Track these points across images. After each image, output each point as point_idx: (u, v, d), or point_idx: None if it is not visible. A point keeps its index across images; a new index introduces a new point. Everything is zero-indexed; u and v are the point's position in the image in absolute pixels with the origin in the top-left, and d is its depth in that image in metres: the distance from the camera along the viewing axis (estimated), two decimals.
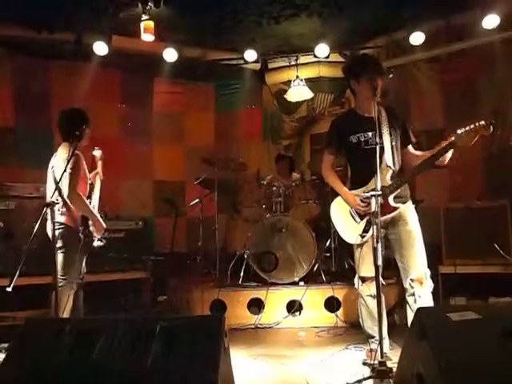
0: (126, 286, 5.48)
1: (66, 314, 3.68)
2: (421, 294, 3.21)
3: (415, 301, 3.22)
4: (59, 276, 3.57)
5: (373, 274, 3.02)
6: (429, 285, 3.26)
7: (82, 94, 5.93)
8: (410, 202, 3.36)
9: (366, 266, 3.31)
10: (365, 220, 3.32)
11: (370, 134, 3.27)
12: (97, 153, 4.13)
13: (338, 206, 3.52)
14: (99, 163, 4.12)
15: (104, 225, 3.84)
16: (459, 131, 3.01)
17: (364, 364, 3.36)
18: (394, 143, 3.27)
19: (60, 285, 3.53)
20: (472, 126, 2.94)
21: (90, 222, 3.73)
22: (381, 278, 2.89)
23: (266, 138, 7.55)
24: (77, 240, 3.66)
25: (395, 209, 3.22)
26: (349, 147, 3.40)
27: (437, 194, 5.81)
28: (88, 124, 3.82)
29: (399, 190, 3.23)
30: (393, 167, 3.25)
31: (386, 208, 3.17)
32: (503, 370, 1.90)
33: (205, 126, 7.27)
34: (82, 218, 3.70)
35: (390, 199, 3.22)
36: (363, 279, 3.39)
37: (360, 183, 3.33)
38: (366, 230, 3.29)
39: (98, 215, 3.81)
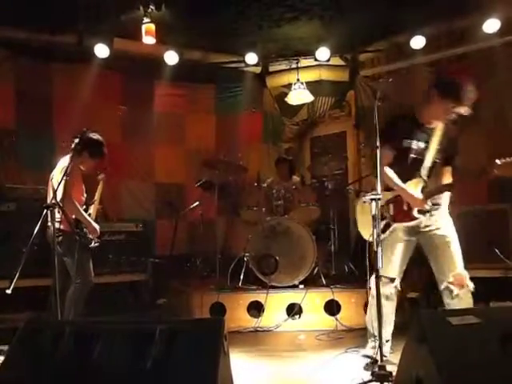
0: (125, 288, 5.47)
1: (76, 316, 3.76)
2: (462, 295, 3.22)
3: (455, 303, 3.22)
4: (74, 281, 3.82)
5: (389, 275, 3.22)
6: (470, 286, 3.27)
7: (83, 96, 5.94)
8: (442, 209, 3.35)
9: (386, 265, 3.28)
10: (384, 222, 3.36)
11: (422, 144, 3.32)
12: (100, 177, 4.37)
13: (362, 205, 3.56)
14: (99, 187, 4.32)
15: (97, 227, 4.02)
16: (498, 161, 3.03)
17: (366, 365, 3.36)
18: (437, 161, 3.30)
19: (74, 286, 3.82)
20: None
21: (84, 225, 3.92)
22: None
23: (267, 141, 7.56)
24: (75, 242, 3.79)
25: (415, 219, 3.28)
26: (401, 150, 3.39)
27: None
28: (98, 156, 4.07)
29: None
30: (426, 180, 3.27)
31: (407, 216, 3.27)
32: (502, 373, 1.90)
33: (205, 128, 7.28)
34: (76, 220, 3.86)
35: (415, 210, 3.26)
36: (380, 278, 3.37)
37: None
38: (383, 231, 3.30)
39: (91, 220, 3.99)
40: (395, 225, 3.34)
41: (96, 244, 4.04)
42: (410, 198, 3.29)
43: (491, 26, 5.38)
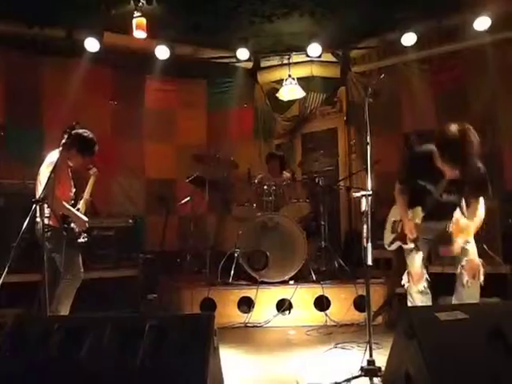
0: (115, 283, 5.45)
1: (64, 312, 3.72)
2: (470, 284, 3.32)
3: (462, 291, 3.35)
4: (63, 277, 3.79)
5: (419, 269, 3.42)
6: (481, 279, 3.35)
7: (73, 90, 5.90)
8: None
9: (411, 261, 3.50)
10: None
11: (433, 187, 3.35)
12: (92, 171, 4.33)
13: (393, 211, 3.77)
14: (91, 181, 4.28)
15: (85, 218, 3.99)
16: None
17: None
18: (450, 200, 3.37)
19: (64, 281, 3.79)
20: None
21: (71, 219, 3.87)
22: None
23: (258, 137, 7.54)
24: (63, 237, 3.75)
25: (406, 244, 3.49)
26: (416, 187, 3.45)
27: None
28: (89, 154, 4.04)
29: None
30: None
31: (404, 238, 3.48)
32: (489, 368, 1.92)
33: (196, 123, 7.26)
34: (62, 216, 3.82)
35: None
36: (409, 274, 3.51)
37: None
38: (392, 242, 3.62)
39: (77, 212, 3.96)
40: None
41: (84, 239, 4.00)
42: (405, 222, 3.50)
43: (482, 23, 5.40)
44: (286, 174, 6.16)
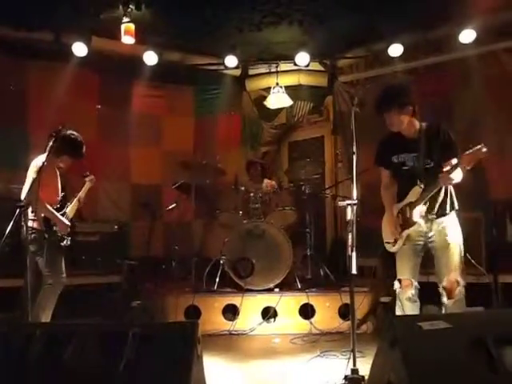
0: (99, 289, 5.40)
1: (46, 318, 3.66)
2: (448, 304, 3.36)
3: (445, 308, 3.40)
4: (44, 281, 3.76)
5: (408, 277, 3.45)
6: (459, 293, 3.39)
7: (59, 94, 5.85)
8: (450, 215, 3.45)
9: (400, 269, 3.54)
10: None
11: (405, 155, 3.47)
12: (88, 178, 4.28)
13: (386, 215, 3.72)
14: (85, 187, 4.25)
15: (67, 222, 3.95)
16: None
17: None
18: (429, 165, 3.38)
19: (45, 287, 3.74)
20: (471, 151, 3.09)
21: (53, 222, 3.84)
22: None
23: (245, 144, 7.55)
24: (45, 240, 3.74)
25: (414, 223, 3.39)
26: (393, 167, 3.58)
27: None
28: (78, 157, 4.02)
29: (423, 206, 3.38)
30: (422, 186, 3.36)
31: (407, 222, 3.42)
32: (472, 378, 1.94)
33: (183, 130, 7.24)
34: (44, 219, 3.79)
35: (414, 214, 3.38)
36: (400, 281, 3.53)
37: (399, 199, 3.54)
38: (395, 240, 3.54)
39: (59, 215, 3.92)
40: (406, 231, 3.46)
41: (67, 243, 3.95)
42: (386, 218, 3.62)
43: (467, 36, 5.48)
44: (267, 181, 6.16)
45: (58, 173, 4.05)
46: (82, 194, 4.21)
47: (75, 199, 4.16)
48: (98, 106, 6.62)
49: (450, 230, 3.43)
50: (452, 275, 3.38)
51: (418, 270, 3.58)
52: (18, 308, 3.53)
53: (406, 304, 3.51)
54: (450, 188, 3.46)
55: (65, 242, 3.94)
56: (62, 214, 3.97)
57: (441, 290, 3.41)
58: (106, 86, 6.62)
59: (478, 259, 4.80)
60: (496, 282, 4.77)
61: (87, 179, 4.29)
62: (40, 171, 3.42)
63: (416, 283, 3.49)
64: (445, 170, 3.26)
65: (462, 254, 3.45)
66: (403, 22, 5.43)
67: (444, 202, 3.44)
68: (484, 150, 3.05)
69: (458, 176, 3.26)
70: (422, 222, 3.41)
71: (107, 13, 5.33)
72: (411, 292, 3.47)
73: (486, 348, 2.00)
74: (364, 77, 6.76)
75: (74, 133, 3.99)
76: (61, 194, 4.05)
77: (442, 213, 3.44)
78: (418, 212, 3.38)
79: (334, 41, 6.18)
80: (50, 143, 3.69)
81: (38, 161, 3.76)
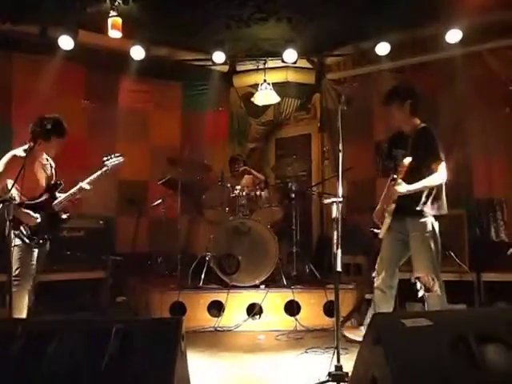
0: (84, 285, 5.37)
1: (19, 314, 3.60)
2: (426, 296, 3.54)
3: (427, 303, 3.56)
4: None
5: (381, 266, 3.71)
6: (436, 290, 3.51)
7: (45, 88, 5.78)
8: (420, 216, 3.57)
9: (378, 258, 3.79)
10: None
11: (398, 151, 3.64)
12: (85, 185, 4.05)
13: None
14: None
15: (33, 214, 3.72)
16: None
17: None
18: (414, 163, 3.42)
19: (14, 284, 3.54)
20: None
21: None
22: None
23: (232, 140, 7.55)
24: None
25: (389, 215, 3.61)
26: (391, 159, 3.75)
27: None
28: (60, 132, 3.84)
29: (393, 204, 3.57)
30: (395, 177, 3.49)
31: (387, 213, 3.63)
32: (453, 374, 1.96)
33: (170, 125, 7.20)
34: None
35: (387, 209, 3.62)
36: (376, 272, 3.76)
37: None
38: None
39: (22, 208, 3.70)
40: (386, 221, 3.64)
41: (35, 242, 3.72)
42: None
43: (453, 36, 5.52)
44: (248, 177, 6.17)
45: (46, 164, 3.95)
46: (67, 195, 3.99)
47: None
48: (84, 101, 6.55)
49: (419, 229, 3.56)
50: (424, 271, 3.51)
51: (397, 262, 3.74)
52: (2, 304, 3.49)
53: (375, 293, 3.73)
54: (435, 188, 3.56)
55: (30, 241, 3.69)
56: (45, 207, 3.83)
57: (415, 280, 3.56)
58: (92, 81, 6.55)
59: (461, 257, 4.87)
60: (479, 279, 4.83)
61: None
62: (23, 163, 3.35)
63: (387, 274, 3.67)
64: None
65: (435, 252, 3.55)
66: (390, 21, 5.46)
67: (418, 201, 3.55)
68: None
69: (403, 188, 3.46)
70: (389, 219, 3.60)
71: (94, 6, 5.28)
72: (379, 281, 3.69)
73: (467, 345, 2.02)
74: (351, 75, 6.79)
75: (47, 114, 3.87)
76: (45, 186, 3.91)
77: (415, 211, 3.55)
78: (388, 209, 3.58)
79: (322, 38, 6.19)
80: (35, 128, 3.64)
81: (10, 154, 3.70)
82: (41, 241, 3.78)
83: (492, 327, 2.15)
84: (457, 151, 5.79)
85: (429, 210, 3.56)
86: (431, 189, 3.56)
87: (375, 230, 3.73)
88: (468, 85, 5.67)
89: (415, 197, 3.53)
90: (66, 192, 4.00)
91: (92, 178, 4.08)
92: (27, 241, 3.69)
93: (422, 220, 3.55)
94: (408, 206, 3.54)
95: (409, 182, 3.44)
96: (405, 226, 3.62)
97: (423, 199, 3.55)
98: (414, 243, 3.58)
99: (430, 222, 3.55)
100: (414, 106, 3.61)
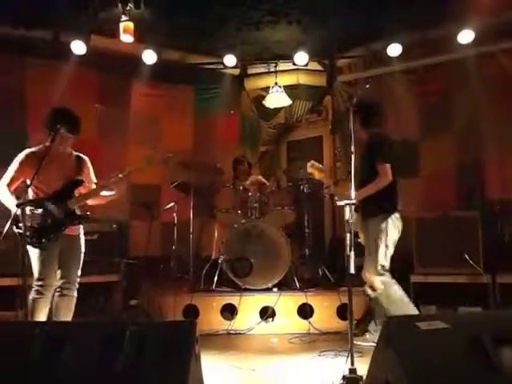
0: (97, 288, 5.39)
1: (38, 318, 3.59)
2: (372, 295, 3.90)
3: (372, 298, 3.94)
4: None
5: (363, 271, 3.86)
6: (378, 287, 3.85)
7: (58, 93, 5.83)
8: (375, 218, 3.85)
9: None
10: None
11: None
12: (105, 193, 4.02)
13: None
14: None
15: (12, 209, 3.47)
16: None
17: None
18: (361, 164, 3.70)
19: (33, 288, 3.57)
20: None
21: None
22: None
23: (244, 144, 7.56)
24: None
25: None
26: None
27: (408, 204, 5.90)
28: (70, 123, 3.70)
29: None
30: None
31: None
32: (468, 378, 1.94)
33: (183, 129, 7.23)
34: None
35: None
36: None
37: None
38: None
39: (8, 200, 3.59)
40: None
41: (36, 244, 3.56)
42: None
43: (465, 36, 5.49)
44: (253, 177, 6.16)
45: (66, 159, 3.86)
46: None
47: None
48: (97, 105, 6.61)
49: (372, 232, 3.83)
50: (367, 273, 3.84)
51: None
52: (17, 307, 3.52)
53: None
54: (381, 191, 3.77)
55: (31, 240, 3.52)
56: (59, 203, 3.68)
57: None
58: (105, 85, 6.61)
59: (476, 259, 4.82)
60: (494, 281, 4.77)
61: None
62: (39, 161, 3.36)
63: (366, 277, 3.87)
64: None
65: (380, 256, 3.79)
66: (402, 22, 5.43)
67: (368, 204, 3.78)
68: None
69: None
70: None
71: (106, 11, 5.32)
72: (366, 286, 3.89)
73: (483, 348, 2.00)
74: (363, 76, 6.76)
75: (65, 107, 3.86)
76: (62, 182, 3.76)
77: (366, 214, 3.85)
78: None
79: (333, 40, 6.19)
80: (47, 121, 3.63)
81: (23, 153, 3.72)
82: (43, 240, 3.57)
83: (508, 329, 2.13)
84: (470, 152, 5.76)
85: (377, 208, 3.82)
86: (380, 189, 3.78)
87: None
88: (481, 85, 5.62)
89: (377, 198, 3.77)
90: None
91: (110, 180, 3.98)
92: (29, 240, 3.51)
93: (371, 219, 3.84)
94: (362, 207, 3.78)
95: (360, 185, 3.62)
96: (361, 227, 3.93)
97: (373, 199, 3.78)
98: (368, 246, 3.90)
99: (378, 221, 3.80)
100: (364, 118, 3.95)
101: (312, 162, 4.15)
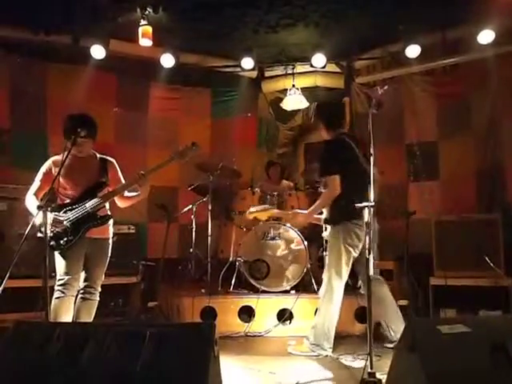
0: (116, 291, 5.43)
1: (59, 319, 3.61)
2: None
3: None
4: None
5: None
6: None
7: (77, 96, 5.92)
8: (333, 226, 4.02)
9: None
10: None
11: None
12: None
13: None
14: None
15: (59, 217, 3.66)
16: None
17: None
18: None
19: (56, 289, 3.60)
20: None
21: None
22: None
23: (261, 146, 7.57)
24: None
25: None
26: None
27: (429, 206, 5.84)
28: (86, 125, 3.71)
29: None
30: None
31: None
32: (491, 383, 1.91)
33: (200, 132, 7.25)
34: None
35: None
36: None
37: None
38: None
39: (31, 204, 3.68)
40: None
41: (56, 248, 3.60)
42: None
43: (486, 36, 5.42)
44: (285, 182, 6.20)
45: (88, 163, 3.89)
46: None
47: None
48: (116, 109, 6.68)
49: (330, 239, 4.01)
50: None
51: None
52: (38, 308, 3.56)
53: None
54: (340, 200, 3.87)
55: (51, 243, 3.55)
56: (78, 207, 3.73)
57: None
58: (123, 89, 6.68)
59: (497, 262, 4.75)
60: None
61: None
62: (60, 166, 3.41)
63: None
64: None
65: (332, 263, 3.96)
66: (421, 23, 5.39)
67: (328, 213, 4.01)
68: None
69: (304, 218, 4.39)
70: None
71: (125, 16, 5.38)
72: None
73: (506, 353, 1.97)
74: (381, 78, 6.72)
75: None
76: (84, 186, 3.80)
77: (328, 222, 4.04)
78: None
79: (351, 42, 6.16)
80: (64, 128, 3.65)
81: (49, 161, 3.78)
82: (61, 241, 3.60)
83: None
84: (490, 154, 5.69)
85: (334, 217, 3.97)
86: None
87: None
88: (500, 86, 5.55)
89: (334, 207, 3.95)
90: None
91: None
92: (49, 244, 3.52)
93: (335, 230, 3.97)
94: (328, 216, 4.05)
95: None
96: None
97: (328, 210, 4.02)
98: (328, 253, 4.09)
99: (335, 230, 3.94)
100: (326, 121, 4.17)
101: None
